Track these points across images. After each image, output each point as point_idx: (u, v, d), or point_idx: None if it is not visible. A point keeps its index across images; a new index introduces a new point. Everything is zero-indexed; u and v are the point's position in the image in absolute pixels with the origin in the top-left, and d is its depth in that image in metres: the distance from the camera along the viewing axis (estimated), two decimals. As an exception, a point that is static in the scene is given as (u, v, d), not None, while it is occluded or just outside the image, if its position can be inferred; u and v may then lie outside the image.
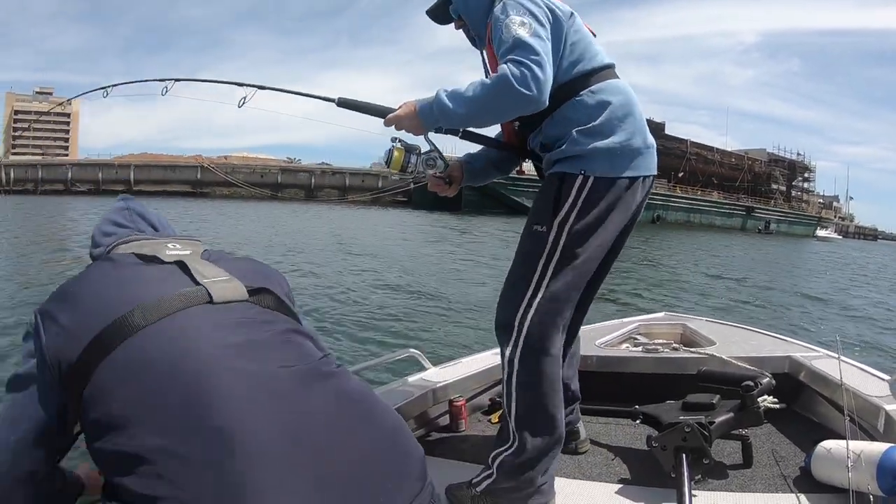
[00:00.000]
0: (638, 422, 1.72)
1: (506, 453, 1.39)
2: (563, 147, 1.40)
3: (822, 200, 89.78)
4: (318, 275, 8.75)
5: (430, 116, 1.39)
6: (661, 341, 2.42)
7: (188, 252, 1.00)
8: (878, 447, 1.30)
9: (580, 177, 1.39)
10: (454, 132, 1.48)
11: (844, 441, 1.35)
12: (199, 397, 0.74)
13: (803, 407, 1.96)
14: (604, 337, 2.46)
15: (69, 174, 49.96)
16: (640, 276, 10.96)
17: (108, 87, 1.92)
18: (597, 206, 1.39)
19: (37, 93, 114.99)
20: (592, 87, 1.41)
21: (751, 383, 1.61)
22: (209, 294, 0.88)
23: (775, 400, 1.68)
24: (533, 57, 1.28)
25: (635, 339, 2.57)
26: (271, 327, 0.89)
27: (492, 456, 1.42)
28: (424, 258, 12.34)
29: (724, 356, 2.05)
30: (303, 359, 0.86)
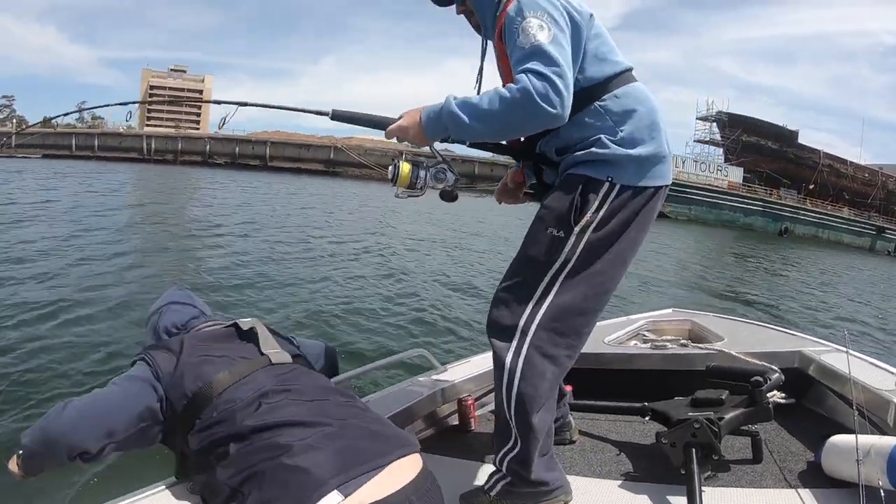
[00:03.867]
0: (647, 419, 1.72)
1: (511, 454, 1.39)
2: (589, 150, 1.34)
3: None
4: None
5: (437, 127, 1.31)
6: (669, 337, 2.42)
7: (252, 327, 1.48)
8: (888, 441, 1.30)
9: (606, 183, 1.33)
10: (461, 141, 1.38)
11: (854, 435, 1.35)
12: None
13: (813, 402, 1.96)
14: (612, 334, 2.47)
15: (207, 147, 54.30)
16: (765, 287, 10.25)
17: (82, 110, 1.98)
18: (619, 216, 1.34)
19: (171, 70, 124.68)
20: (616, 92, 1.36)
21: (760, 379, 1.62)
22: (270, 360, 1.36)
23: (784, 395, 1.68)
24: (554, 69, 1.20)
25: (644, 335, 2.57)
26: (308, 377, 1.34)
27: (498, 458, 1.41)
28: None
29: (732, 352, 2.05)
30: (329, 392, 1.29)
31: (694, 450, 1.45)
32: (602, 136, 1.33)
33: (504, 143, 1.52)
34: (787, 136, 48.30)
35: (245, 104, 1.55)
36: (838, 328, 7.54)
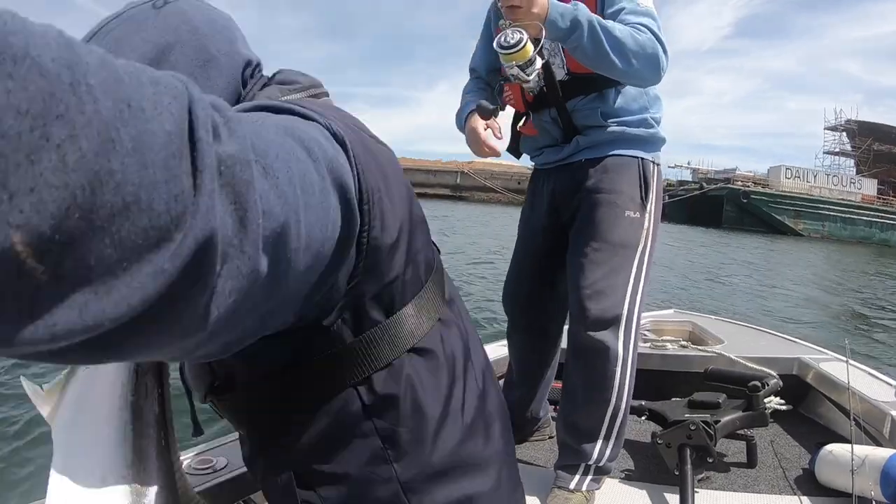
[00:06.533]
0: (644, 418, 1.73)
1: (608, 450, 1.39)
2: (639, 128, 1.40)
3: None
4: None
5: (566, 20, 1.20)
6: (669, 338, 2.42)
7: None
8: (883, 453, 1.31)
9: (653, 164, 1.42)
10: (569, 51, 1.28)
11: (849, 445, 1.35)
12: None
13: (809, 409, 1.97)
14: None
15: None
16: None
17: None
18: (659, 194, 1.43)
19: None
20: None
21: (758, 384, 1.62)
22: None
23: (782, 401, 1.68)
24: (666, 47, 1.25)
25: (644, 335, 2.57)
26: None
27: (592, 454, 1.39)
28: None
29: (731, 355, 2.05)
30: None
31: (689, 451, 1.45)
32: (647, 115, 1.40)
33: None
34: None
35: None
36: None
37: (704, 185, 36.29)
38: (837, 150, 46.91)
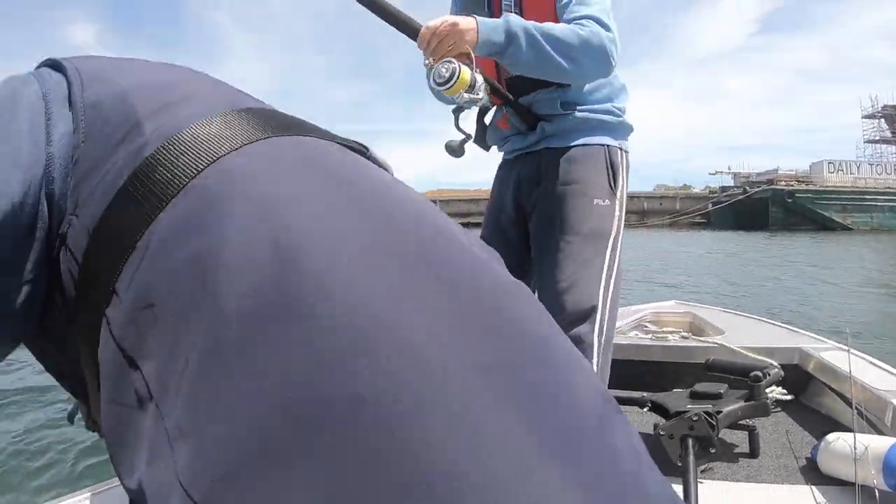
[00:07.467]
0: (646, 410, 1.73)
1: None
2: (604, 116, 1.38)
3: None
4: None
5: (496, 37, 1.18)
6: (670, 329, 2.42)
7: None
8: (885, 441, 1.30)
9: (620, 151, 1.41)
10: (507, 67, 1.28)
11: (851, 434, 1.35)
12: None
13: (811, 399, 1.97)
14: None
15: None
16: None
17: None
18: (627, 181, 1.43)
19: None
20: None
21: (759, 373, 1.62)
22: None
23: (784, 391, 1.68)
24: (613, 25, 1.24)
25: (645, 326, 2.57)
26: None
27: None
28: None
29: (733, 346, 2.05)
30: None
31: (691, 442, 1.45)
32: (610, 103, 1.39)
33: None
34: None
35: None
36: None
37: (748, 188, 35.33)
38: (878, 137, 45.07)
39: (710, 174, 49.43)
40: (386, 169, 0.51)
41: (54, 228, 0.40)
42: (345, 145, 0.49)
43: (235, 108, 0.45)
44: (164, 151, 0.40)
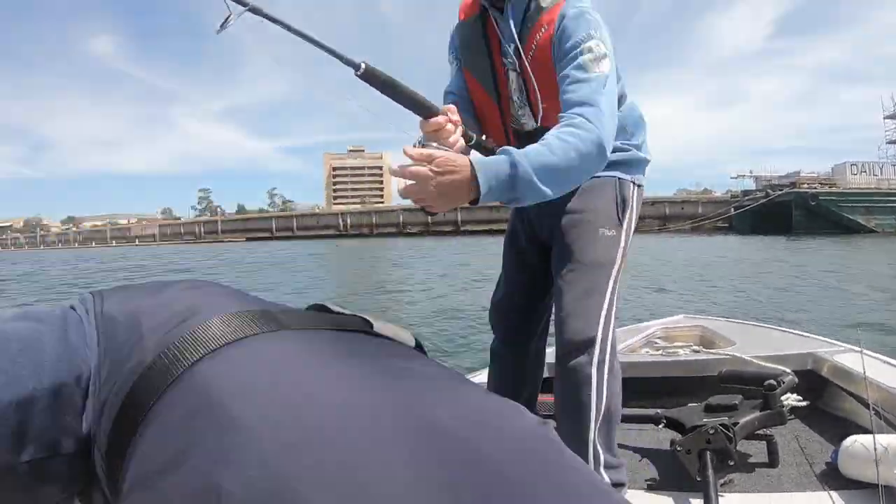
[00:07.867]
0: (661, 426, 1.72)
1: (603, 470, 1.35)
2: (615, 154, 1.33)
3: None
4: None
5: (500, 196, 1.07)
6: (680, 344, 2.42)
7: None
8: None
9: (632, 185, 1.43)
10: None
11: (871, 435, 1.34)
12: None
13: (828, 403, 1.95)
14: (623, 342, 2.46)
15: (401, 218, 59.94)
16: None
17: None
18: (636, 214, 1.45)
19: (350, 150, 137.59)
20: (628, 102, 1.41)
21: (773, 382, 1.61)
22: None
23: (799, 397, 1.67)
24: (613, 114, 1.18)
25: (655, 342, 2.56)
26: None
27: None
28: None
29: (744, 356, 2.04)
30: None
31: (709, 456, 1.44)
32: (621, 141, 1.39)
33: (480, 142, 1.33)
34: None
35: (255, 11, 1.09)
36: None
37: (770, 191, 35.30)
38: (901, 138, 44.54)
39: (731, 178, 48.74)
40: (397, 339, 0.50)
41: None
42: (345, 328, 0.48)
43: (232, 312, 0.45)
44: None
